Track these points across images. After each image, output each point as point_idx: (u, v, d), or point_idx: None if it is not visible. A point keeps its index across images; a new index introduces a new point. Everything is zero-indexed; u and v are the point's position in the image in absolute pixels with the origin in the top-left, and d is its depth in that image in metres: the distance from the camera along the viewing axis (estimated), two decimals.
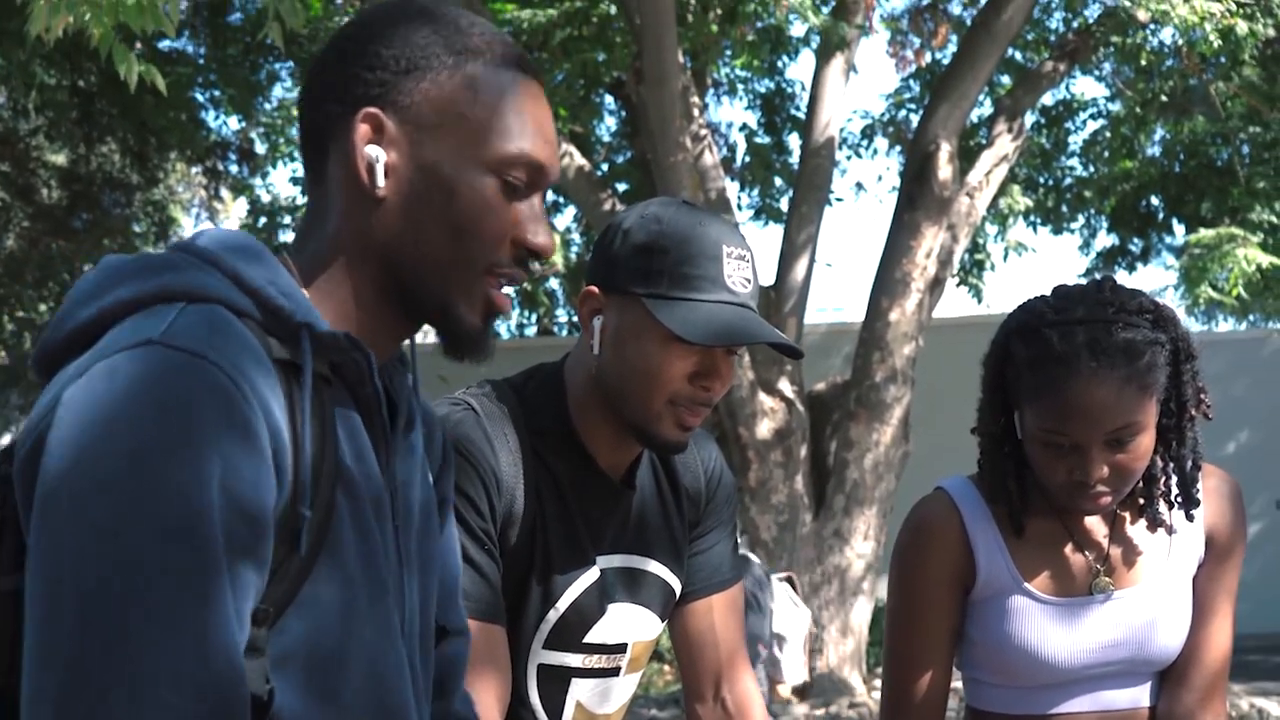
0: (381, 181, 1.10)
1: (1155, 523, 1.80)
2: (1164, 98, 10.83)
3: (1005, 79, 11.27)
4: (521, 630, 1.68)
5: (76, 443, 0.93)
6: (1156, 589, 1.78)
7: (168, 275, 1.03)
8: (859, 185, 19.77)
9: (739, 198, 12.60)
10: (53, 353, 1.04)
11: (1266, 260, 9.03)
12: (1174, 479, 1.79)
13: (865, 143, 12.60)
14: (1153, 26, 9.28)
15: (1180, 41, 9.11)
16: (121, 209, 11.69)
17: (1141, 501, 1.81)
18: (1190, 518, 1.79)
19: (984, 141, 9.75)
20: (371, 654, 1.07)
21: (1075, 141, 12.79)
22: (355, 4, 10.39)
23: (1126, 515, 1.82)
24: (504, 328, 13.05)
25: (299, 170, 13.89)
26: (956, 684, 1.81)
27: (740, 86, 12.50)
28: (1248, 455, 11.62)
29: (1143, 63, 10.11)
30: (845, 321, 12.93)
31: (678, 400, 1.62)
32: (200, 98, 11.27)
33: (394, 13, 1.14)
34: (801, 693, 7.48)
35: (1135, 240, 13.25)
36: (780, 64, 12.15)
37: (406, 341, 1.21)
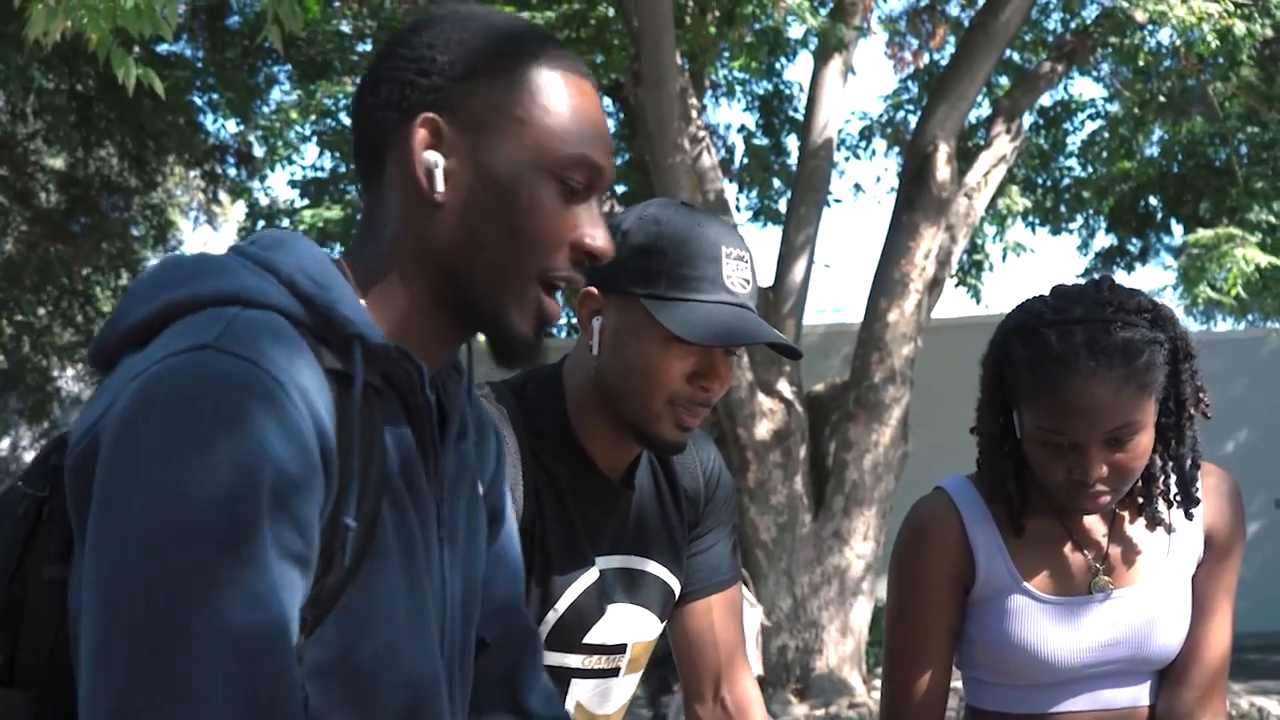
0: (440, 187, 1.09)
1: (1154, 522, 1.80)
2: (1162, 98, 10.85)
3: (1003, 80, 11.28)
4: None
5: (130, 446, 0.94)
6: (1156, 588, 1.78)
7: (225, 278, 1.04)
8: (857, 186, 19.84)
9: (737, 199, 12.62)
10: (109, 348, 1.05)
11: (1265, 260, 9.04)
12: (1173, 478, 1.79)
13: (863, 144, 12.62)
14: (1151, 27, 9.29)
15: (1178, 42, 9.12)
16: (120, 213, 11.69)
17: (1141, 500, 1.81)
18: (1189, 516, 1.79)
19: (982, 142, 9.76)
20: (408, 666, 1.07)
21: (1073, 142, 12.82)
22: (353, 7, 10.40)
23: (1125, 514, 1.82)
24: None
25: (297, 173, 13.91)
26: (956, 683, 1.81)
27: (738, 88, 12.51)
28: (1246, 455, 11.62)
29: (1141, 63, 10.13)
30: (844, 322, 12.94)
31: (677, 400, 1.62)
32: (198, 101, 11.27)
33: (447, 18, 1.14)
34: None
35: (1134, 240, 13.26)
36: (778, 65, 12.17)
37: (463, 348, 1.21)
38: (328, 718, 1.01)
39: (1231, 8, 8.02)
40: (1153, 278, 44.18)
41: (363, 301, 1.09)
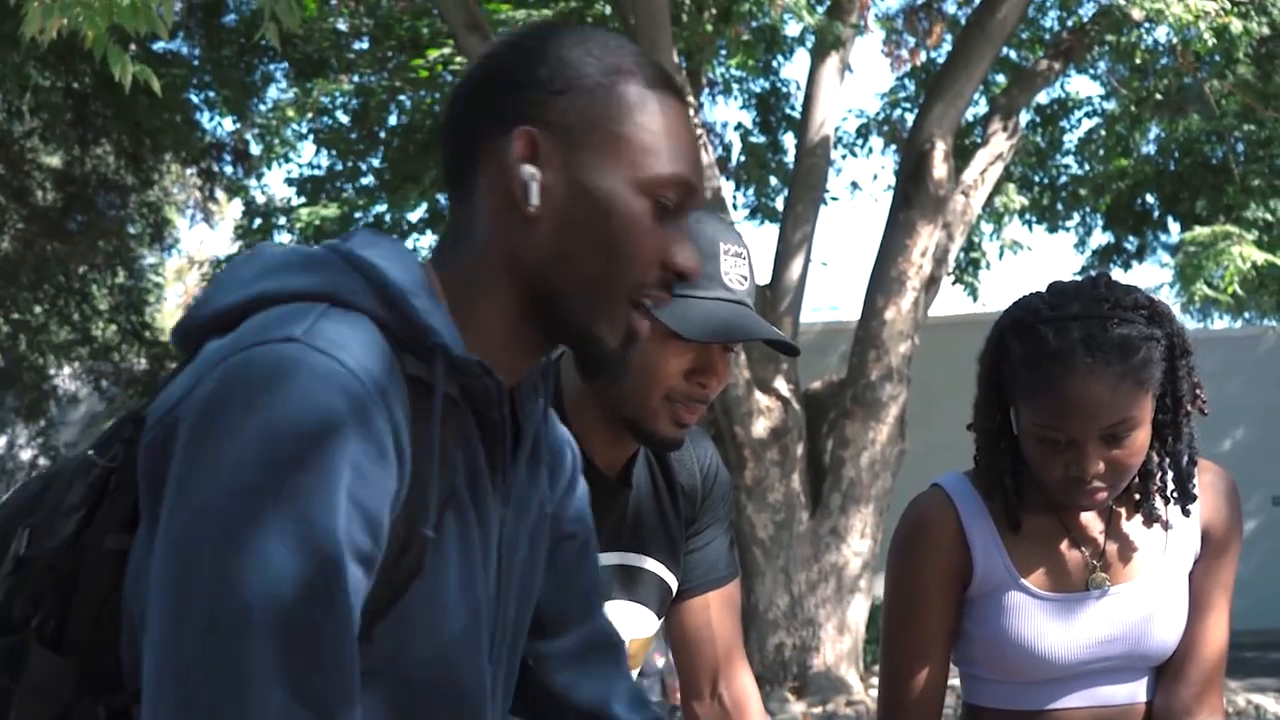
0: (535, 200, 1.09)
1: (1151, 518, 1.80)
2: (1159, 96, 10.85)
3: (1000, 78, 11.28)
4: None
5: (210, 432, 0.94)
6: (1153, 584, 1.78)
7: (319, 275, 1.05)
8: (854, 184, 19.77)
9: (734, 197, 12.60)
10: (193, 330, 1.05)
11: (1261, 257, 9.04)
12: (1170, 474, 1.79)
13: (860, 142, 12.61)
14: (1147, 25, 9.29)
15: (1175, 40, 9.12)
16: (116, 211, 11.68)
17: (1138, 497, 1.81)
18: (1186, 513, 1.79)
19: (979, 140, 9.76)
20: (457, 678, 1.08)
21: (1070, 140, 12.82)
22: (349, 4, 10.39)
23: (1123, 511, 1.82)
24: None
25: (294, 171, 13.89)
26: (954, 681, 1.81)
27: (735, 86, 12.49)
28: (1244, 452, 11.64)
29: (1137, 61, 10.13)
30: (841, 320, 12.94)
31: (674, 397, 1.62)
32: (195, 99, 11.26)
33: (545, 33, 1.15)
34: None
35: (1130, 238, 13.26)
36: (775, 63, 12.16)
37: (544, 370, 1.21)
38: None
39: (1228, 5, 8.02)
40: (1149, 275, 44.31)
41: (448, 310, 1.09)
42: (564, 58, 1.12)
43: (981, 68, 9.12)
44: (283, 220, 11.73)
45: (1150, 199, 12.86)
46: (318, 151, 12.38)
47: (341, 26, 10.85)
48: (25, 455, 11.29)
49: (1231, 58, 9.24)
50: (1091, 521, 1.81)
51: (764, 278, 8.88)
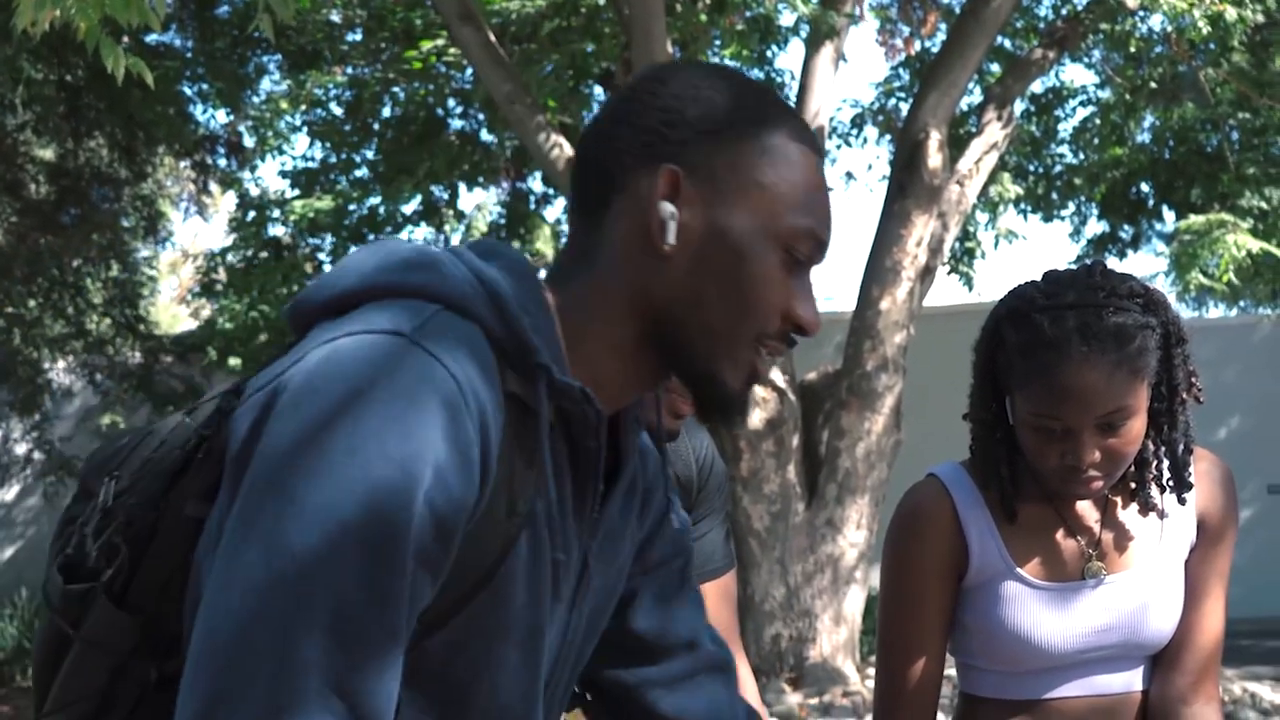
0: (672, 240, 1.09)
1: (1147, 507, 1.80)
2: (1153, 84, 10.84)
3: (995, 67, 11.27)
4: None
5: (301, 411, 0.94)
6: (1148, 573, 1.78)
7: (438, 277, 1.05)
8: (849, 174, 19.84)
9: None
10: (307, 310, 1.06)
11: (1256, 246, 9.04)
12: (1165, 463, 1.79)
13: (855, 131, 12.59)
14: (1142, 13, 9.28)
15: (1169, 28, 9.12)
16: (110, 204, 11.65)
17: (1133, 486, 1.81)
18: (1182, 501, 1.79)
19: (974, 129, 9.74)
20: (504, 699, 1.07)
21: (1065, 129, 12.80)
22: None
23: (1118, 500, 1.82)
24: None
25: (288, 164, 13.87)
26: (950, 670, 1.81)
27: None
28: (1239, 441, 11.64)
29: (1132, 49, 10.12)
30: (836, 310, 12.92)
31: (670, 388, 1.62)
32: (188, 91, 11.22)
33: (697, 74, 1.15)
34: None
35: (1125, 227, 13.25)
36: (769, 53, 12.13)
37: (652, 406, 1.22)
38: None
39: None
40: (1145, 264, 44.29)
41: (560, 332, 1.09)
42: (714, 99, 1.12)
43: (976, 57, 9.10)
44: (277, 213, 11.71)
45: (1145, 187, 12.85)
46: (311, 144, 12.38)
47: (335, 18, 10.82)
48: (20, 450, 11.27)
49: (1226, 45, 9.23)
50: (1087, 511, 1.81)
51: None
